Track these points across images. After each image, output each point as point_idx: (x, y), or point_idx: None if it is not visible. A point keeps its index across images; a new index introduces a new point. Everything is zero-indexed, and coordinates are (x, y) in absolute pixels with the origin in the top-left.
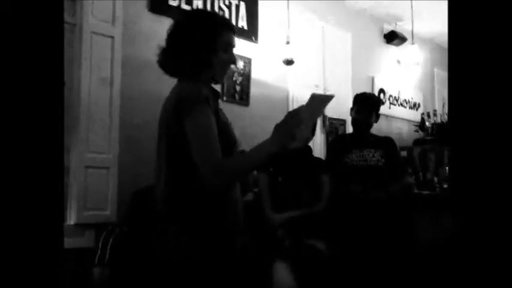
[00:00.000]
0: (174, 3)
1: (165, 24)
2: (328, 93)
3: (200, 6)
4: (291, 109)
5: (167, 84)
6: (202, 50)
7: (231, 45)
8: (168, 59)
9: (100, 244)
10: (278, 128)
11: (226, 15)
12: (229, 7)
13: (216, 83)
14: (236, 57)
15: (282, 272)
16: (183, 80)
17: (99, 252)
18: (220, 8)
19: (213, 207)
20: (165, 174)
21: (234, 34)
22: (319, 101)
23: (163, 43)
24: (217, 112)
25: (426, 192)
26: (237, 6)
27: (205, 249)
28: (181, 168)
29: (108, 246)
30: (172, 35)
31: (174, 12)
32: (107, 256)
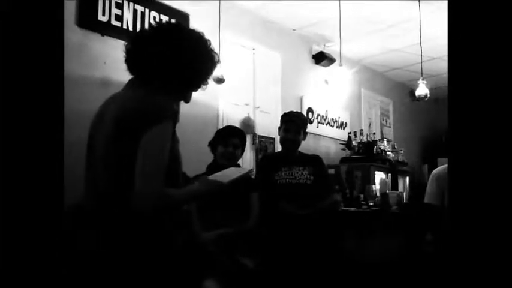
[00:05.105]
0: (104, 19)
1: (93, 39)
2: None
3: (130, 23)
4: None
5: (96, 99)
6: (205, 71)
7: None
8: (153, 62)
9: None
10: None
11: None
12: None
13: (184, 101)
14: None
15: None
16: (151, 90)
17: None
18: (150, 25)
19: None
20: (103, 184)
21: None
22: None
23: (93, 58)
24: (175, 132)
25: (353, 209)
26: None
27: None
28: (122, 179)
29: None
30: (184, 43)
31: (103, 28)
32: None
